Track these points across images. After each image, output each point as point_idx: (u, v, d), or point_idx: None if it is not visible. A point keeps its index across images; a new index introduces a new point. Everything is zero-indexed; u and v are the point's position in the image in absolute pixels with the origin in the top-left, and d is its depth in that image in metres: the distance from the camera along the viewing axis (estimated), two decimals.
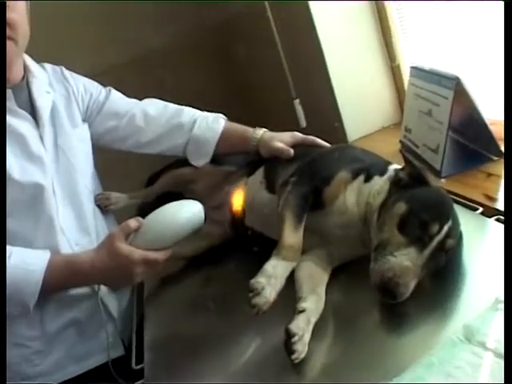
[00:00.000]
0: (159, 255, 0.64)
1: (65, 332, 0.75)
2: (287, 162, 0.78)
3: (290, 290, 0.59)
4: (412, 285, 0.53)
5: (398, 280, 0.52)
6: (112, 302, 0.80)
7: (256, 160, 0.86)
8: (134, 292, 0.85)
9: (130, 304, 0.85)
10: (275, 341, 0.56)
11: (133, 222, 0.64)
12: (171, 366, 0.61)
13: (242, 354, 0.58)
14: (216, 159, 0.90)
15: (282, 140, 0.82)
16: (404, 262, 0.54)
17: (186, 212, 0.65)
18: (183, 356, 0.62)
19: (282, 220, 0.62)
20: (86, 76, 0.87)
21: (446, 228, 0.56)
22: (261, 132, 0.86)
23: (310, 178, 0.67)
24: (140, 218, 0.65)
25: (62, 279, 0.64)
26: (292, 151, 0.80)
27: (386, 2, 1.07)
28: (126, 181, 0.94)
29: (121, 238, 0.64)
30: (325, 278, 0.65)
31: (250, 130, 0.87)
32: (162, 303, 0.79)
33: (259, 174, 0.81)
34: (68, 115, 0.80)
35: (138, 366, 0.65)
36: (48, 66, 0.82)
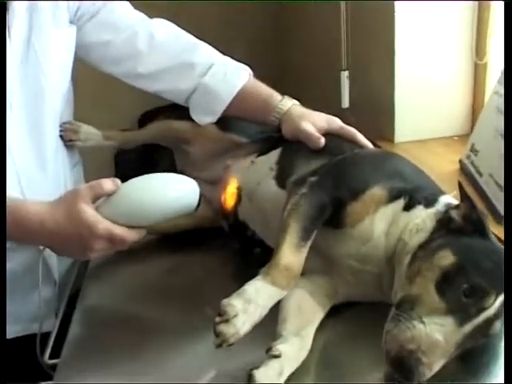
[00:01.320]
0: (129, 235, 0.61)
1: None
2: (311, 154, 0.74)
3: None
4: (437, 367, 0.49)
5: (420, 357, 0.47)
6: (54, 257, 0.79)
7: (273, 137, 0.83)
8: None
9: (73, 267, 0.84)
10: (234, 374, 0.54)
11: (108, 184, 0.61)
12: (94, 366, 0.59)
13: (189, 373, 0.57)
14: (223, 121, 0.87)
15: (313, 122, 0.77)
16: (435, 334, 0.49)
17: (177, 190, 0.63)
18: (117, 353, 0.60)
19: (284, 229, 0.58)
20: None
21: (498, 302, 0.50)
22: (289, 104, 0.81)
23: (334, 183, 0.63)
24: (118, 181, 0.62)
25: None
26: (323, 141, 0.75)
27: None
28: (112, 117, 0.93)
29: (87, 199, 0.60)
30: (318, 316, 0.62)
31: (276, 96, 0.82)
32: (108, 281, 0.78)
33: (272, 156, 0.78)
34: (52, 11, 0.75)
35: (51, 361, 0.62)
36: None
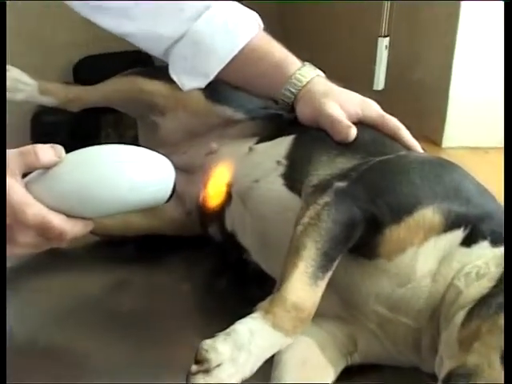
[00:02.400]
0: (69, 227, 0.62)
1: None
2: (337, 149, 0.73)
3: None
4: None
5: None
6: None
7: (283, 118, 0.84)
8: None
9: None
10: None
11: (46, 152, 0.61)
12: None
13: None
14: (213, 88, 0.86)
15: (343, 104, 0.77)
16: None
17: (144, 170, 0.63)
18: None
19: (296, 252, 0.58)
20: None
21: None
22: (311, 74, 0.81)
23: (370, 194, 0.62)
24: (61, 151, 0.62)
25: None
26: (354, 132, 0.74)
27: None
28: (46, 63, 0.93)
29: (15, 170, 0.60)
30: (326, 377, 0.61)
31: (294, 62, 0.82)
32: (28, 295, 0.78)
33: (281, 144, 0.77)
34: None
35: None
36: None
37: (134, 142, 1.06)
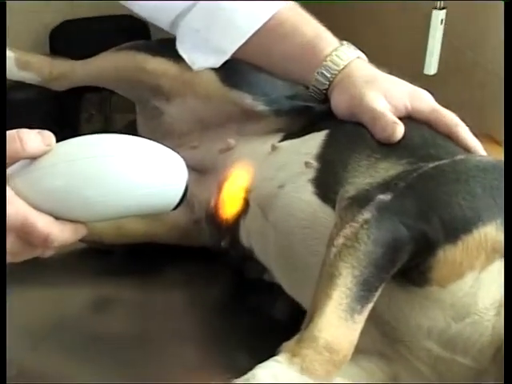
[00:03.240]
0: (57, 232, 0.62)
1: None
2: (380, 151, 0.74)
3: None
4: None
5: None
6: None
7: (313, 110, 0.85)
8: None
9: None
10: None
11: (34, 139, 0.62)
12: None
13: None
14: (230, 70, 0.88)
15: (388, 95, 0.77)
16: None
17: (153, 167, 0.64)
18: None
19: (330, 279, 0.59)
20: None
21: None
22: (351, 55, 0.81)
23: (420, 209, 0.62)
24: (51, 138, 0.63)
25: None
26: (401, 130, 0.74)
27: None
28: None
29: None
30: None
31: (329, 41, 0.83)
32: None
33: (310, 143, 0.78)
34: None
35: None
36: None
37: (125, 129, 1.08)
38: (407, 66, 1.13)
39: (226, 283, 0.88)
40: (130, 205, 0.63)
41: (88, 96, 1.16)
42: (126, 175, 0.62)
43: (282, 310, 0.77)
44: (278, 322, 0.66)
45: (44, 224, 0.61)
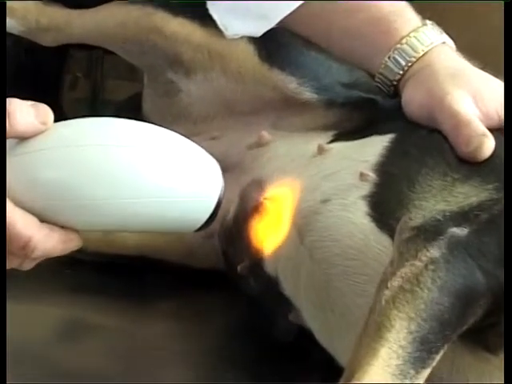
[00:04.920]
0: (41, 237, 0.63)
1: None
2: (461, 168, 0.75)
3: None
4: None
5: None
6: None
7: (378, 106, 0.87)
8: None
9: None
10: None
11: (26, 114, 0.63)
12: None
13: None
14: (273, 44, 0.90)
15: (478, 99, 0.78)
16: None
17: (178, 174, 0.65)
18: None
19: (376, 332, 0.60)
20: None
21: None
22: (434, 39, 0.83)
23: (504, 251, 0.63)
24: (49, 114, 0.64)
25: None
26: (491, 145, 0.74)
27: None
28: None
29: None
30: None
31: (408, 19, 0.85)
32: None
33: (368, 149, 0.80)
34: None
35: None
36: None
37: (123, 103, 1.11)
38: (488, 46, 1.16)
39: (233, 315, 0.90)
40: (142, 215, 0.64)
41: (74, 54, 1.16)
42: (144, 174, 0.63)
43: (287, 332, 0.79)
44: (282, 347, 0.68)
45: (25, 225, 0.62)
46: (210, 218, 0.65)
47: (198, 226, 0.65)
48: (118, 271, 0.91)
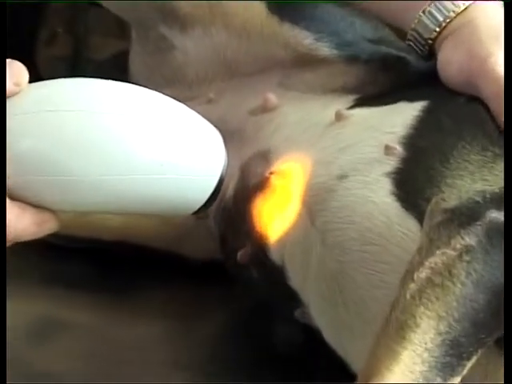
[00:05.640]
0: (13, 217, 0.64)
1: None
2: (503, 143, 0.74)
3: None
4: None
5: None
6: None
7: (408, 67, 0.88)
8: None
9: None
10: None
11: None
12: None
13: None
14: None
15: None
16: None
17: (179, 146, 0.66)
18: None
19: (399, 331, 0.61)
20: None
21: None
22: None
23: None
24: (24, 73, 0.65)
25: None
26: None
27: None
28: None
29: None
30: None
31: None
32: None
33: (395, 118, 0.81)
34: None
35: None
36: None
37: (108, 62, 1.12)
38: None
39: (230, 314, 0.91)
40: (131, 194, 0.65)
41: (54, 6, 1.17)
42: (134, 147, 0.64)
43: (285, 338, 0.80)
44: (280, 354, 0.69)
45: None
46: (210, 198, 0.66)
47: (196, 207, 0.66)
48: (96, 259, 0.92)
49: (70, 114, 0.63)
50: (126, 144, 0.63)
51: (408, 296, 0.61)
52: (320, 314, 0.77)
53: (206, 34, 0.93)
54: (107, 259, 0.91)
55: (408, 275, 0.63)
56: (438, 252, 0.63)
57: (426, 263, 0.62)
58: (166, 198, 0.65)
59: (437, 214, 0.68)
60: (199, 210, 0.66)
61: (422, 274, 0.62)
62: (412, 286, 0.61)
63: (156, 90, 0.68)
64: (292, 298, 0.79)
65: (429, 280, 0.62)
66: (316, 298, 0.77)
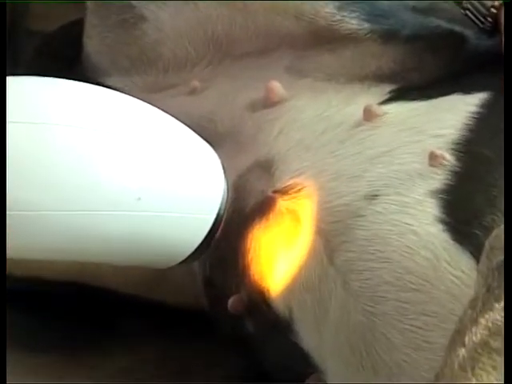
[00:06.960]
0: None
1: None
2: None
3: None
4: None
5: None
6: None
7: (465, 47, 0.91)
8: None
9: None
10: None
11: None
12: None
13: None
14: None
15: None
16: None
17: (171, 174, 0.69)
18: None
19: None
20: None
21: None
22: None
23: None
24: None
25: None
26: None
27: None
28: None
29: None
30: None
31: None
32: None
33: (445, 116, 0.83)
34: None
35: None
36: None
37: (52, 39, 1.11)
38: None
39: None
40: (96, 236, 0.67)
41: None
42: (105, 173, 0.65)
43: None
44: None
45: None
46: (203, 243, 0.69)
47: (184, 256, 0.71)
48: (40, 306, 0.93)
49: (15, 126, 0.64)
50: (92, 169, 0.64)
51: (456, 366, 0.61)
52: (341, 381, 0.76)
53: (186, 1, 0.92)
54: (56, 306, 0.92)
55: (457, 337, 0.63)
56: (497, 306, 0.63)
57: (482, 321, 0.62)
58: (144, 243, 0.68)
59: (498, 253, 0.67)
60: (187, 259, 0.67)
61: (477, 335, 0.62)
62: (462, 352, 0.61)
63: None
64: (302, 361, 0.78)
65: (485, 344, 0.61)
66: (335, 362, 0.78)
